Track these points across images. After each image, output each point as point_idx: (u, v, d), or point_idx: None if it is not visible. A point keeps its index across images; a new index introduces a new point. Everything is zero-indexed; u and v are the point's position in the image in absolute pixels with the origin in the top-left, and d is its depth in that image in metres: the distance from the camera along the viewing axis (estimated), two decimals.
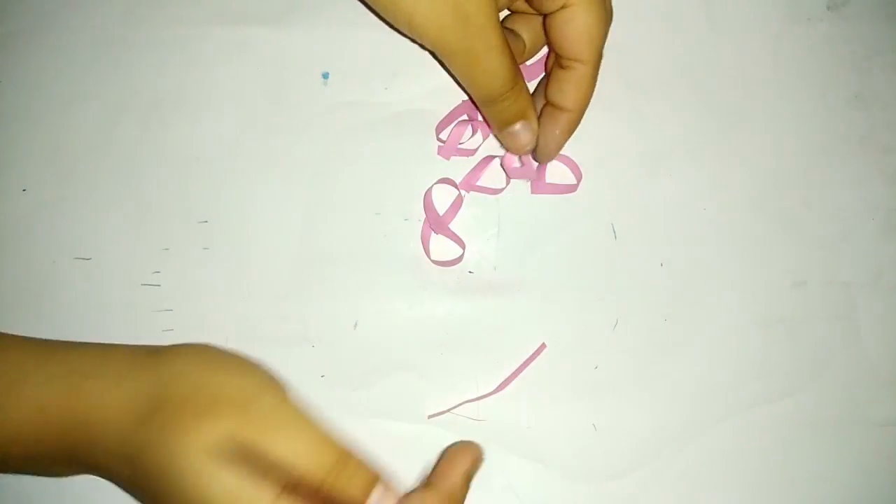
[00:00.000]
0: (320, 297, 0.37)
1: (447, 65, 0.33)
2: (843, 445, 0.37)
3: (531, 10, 0.35)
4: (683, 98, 0.39)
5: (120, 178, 0.38)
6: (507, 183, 0.38)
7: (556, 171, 0.38)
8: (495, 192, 0.38)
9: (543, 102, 0.35)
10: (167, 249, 0.38)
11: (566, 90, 0.34)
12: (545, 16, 0.34)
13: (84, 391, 0.29)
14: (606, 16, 0.33)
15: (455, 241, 0.38)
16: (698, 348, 0.37)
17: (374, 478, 0.28)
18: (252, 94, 0.39)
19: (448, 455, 0.30)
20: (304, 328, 0.37)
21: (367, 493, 0.28)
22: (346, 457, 0.28)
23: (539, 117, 0.35)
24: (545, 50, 0.39)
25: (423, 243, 0.38)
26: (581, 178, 0.38)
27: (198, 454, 0.27)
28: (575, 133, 0.39)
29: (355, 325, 0.37)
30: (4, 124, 0.39)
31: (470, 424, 0.36)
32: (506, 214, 0.38)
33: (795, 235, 0.38)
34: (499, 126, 0.34)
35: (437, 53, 0.32)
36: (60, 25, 0.40)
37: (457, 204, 0.38)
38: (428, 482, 0.30)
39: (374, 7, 0.33)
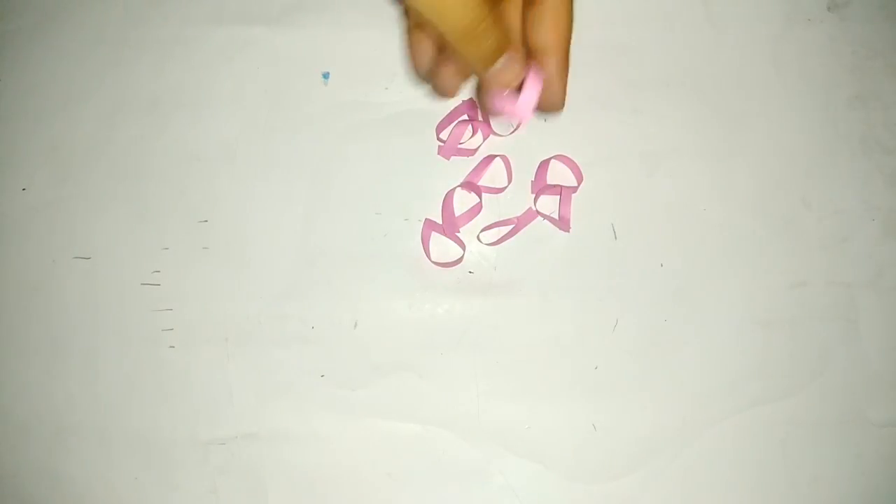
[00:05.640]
0: (320, 297, 0.37)
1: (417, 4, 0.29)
2: (843, 445, 0.37)
3: None
4: (683, 98, 0.39)
5: (120, 178, 0.38)
6: (509, 182, 0.38)
7: (556, 172, 0.38)
8: (496, 191, 0.38)
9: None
10: (167, 249, 0.38)
11: (543, 28, 0.30)
12: None
13: None
14: None
15: (456, 243, 0.38)
16: (698, 348, 0.37)
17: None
18: (252, 94, 0.39)
19: None
20: (303, 328, 0.37)
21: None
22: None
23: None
24: None
25: (423, 243, 0.38)
26: (581, 178, 0.38)
27: None
28: (575, 133, 0.39)
29: (355, 324, 0.37)
30: (4, 124, 0.39)
31: (470, 424, 0.36)
32: (506, 215, 0.38)
33: (795, 236, 0.38)
34: (480, 66, 0.31)
35: None
36: (60, 25, 0.40)
37: (474, 210, 0.38)
38: None
39: None
